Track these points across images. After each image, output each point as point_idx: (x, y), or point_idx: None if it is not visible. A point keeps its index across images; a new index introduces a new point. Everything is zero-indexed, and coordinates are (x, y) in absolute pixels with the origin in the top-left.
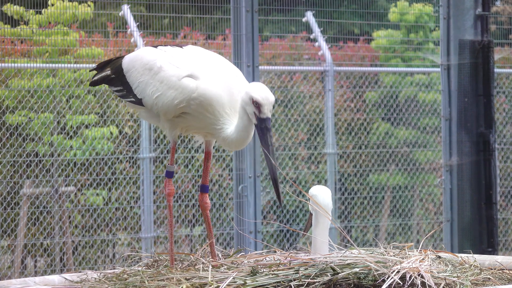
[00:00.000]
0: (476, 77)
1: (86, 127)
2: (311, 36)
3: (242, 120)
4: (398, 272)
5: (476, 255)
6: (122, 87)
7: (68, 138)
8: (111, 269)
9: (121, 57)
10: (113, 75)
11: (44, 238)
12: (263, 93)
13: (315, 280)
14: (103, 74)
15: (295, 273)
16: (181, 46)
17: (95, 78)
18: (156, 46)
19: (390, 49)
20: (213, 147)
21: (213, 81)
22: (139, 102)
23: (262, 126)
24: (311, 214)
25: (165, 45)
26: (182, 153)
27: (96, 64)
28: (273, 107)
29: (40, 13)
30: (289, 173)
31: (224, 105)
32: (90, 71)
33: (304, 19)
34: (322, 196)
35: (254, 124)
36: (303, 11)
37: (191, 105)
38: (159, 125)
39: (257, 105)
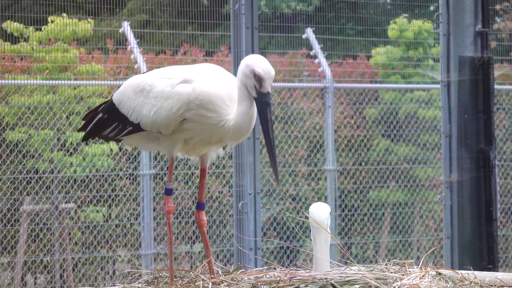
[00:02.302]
0: (476, 94)
1: (86, 143)
2: (311, 53)
3: (241, 93)
4: None
5: (476, 272)
6: (117, 122)
7: (68, 155)
8: (111, 286)
9: (108, 99)
10: (106, 115)
11: (44, 255)
12: (265, 67)
13: None
14: (95, 120)
15: None
16: None
17: (87, 130)
18: (143, 73)
19: (389, 65)
20: (213, 164)
21: (208, 79)
22: (137, 127)
23: (263, 101)
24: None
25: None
26: (182, 169)
27: (94, 100)
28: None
29: (40, 30)
30: (289, 189)
31: (223, 99)
32: (78, 131)
33: (304, 36)
34: (317, 212)
35: (253, 99)
36: (303, 27)
37: (191, 109)
38: (159, 148)
39: (258, 79)
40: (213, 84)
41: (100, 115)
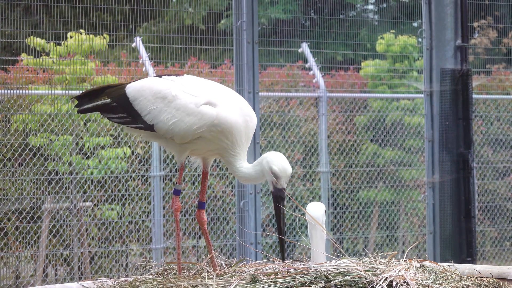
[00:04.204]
0: (456, 102)
1: (102, 148)
2: (306, 65)
3: (256, 174)
4: (385, 279)
5: (456, 264)
6: (126, 114)
7: (86, 158)
8: (124, 277)
9: (118, 86)
10: (115, 103)
11: (64, 249)
12: (283, 167)
13: (310, 287)
14: (100, 102)
15: (292, 280)
16: (177, 75)
17: (88, 106)
18: (160, 76)
19: (377, 77)
20: (217, 166)
21: (231, 109)
22: (149, 127)
23: (277, 195)
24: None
25: (169, 75)
26: (189, 171)
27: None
28: (289, 177)
29: (60, 44)
30: (287, 189)
31: (241, 135)
32: (71, 98)
33: (300, 50)
34: (313, 210)
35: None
36: (299, 42)
37: (211, 131)
38: (165, 146)
39: (275, 176)
40: (235, 115)
41: (108, 100)
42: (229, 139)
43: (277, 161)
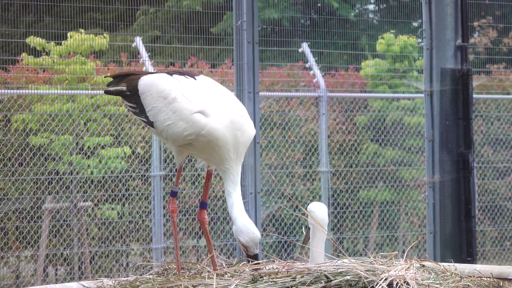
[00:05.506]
0: (456, 102)
1: (102, 147)
2: (307, 65)
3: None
4: (386, 279)
5: (456, 264)
6: (136, 105)
7: (86, 158)
8: (124, 277)
9: (137, 75)
10: (128, 92)
11: (64, 248)
12: (249, 238)
13: (310, 287)
14: (119, 88)
15: (292, 280)
16: (194, 76)
17: (110, 89)
18: (171, 74)
19: (378, 76)
20: None
21: (221, 122)
22: (150, 123)
23: (251, 260)
24: (309, 228)
25: (180, 74)
26: (189, 171)
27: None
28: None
29: (60, 44)
30: (287, 189)
31: (228, 148)
32: (105, 77)
33: (300, 50)
34: (319, 212)
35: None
36: (299, 42)
37: (199, 141)
38: (166, 144)
39: (244, 246)
40: (223, 127)
41: (125, 88)
42: (216, 151)
43: (243, 232)
